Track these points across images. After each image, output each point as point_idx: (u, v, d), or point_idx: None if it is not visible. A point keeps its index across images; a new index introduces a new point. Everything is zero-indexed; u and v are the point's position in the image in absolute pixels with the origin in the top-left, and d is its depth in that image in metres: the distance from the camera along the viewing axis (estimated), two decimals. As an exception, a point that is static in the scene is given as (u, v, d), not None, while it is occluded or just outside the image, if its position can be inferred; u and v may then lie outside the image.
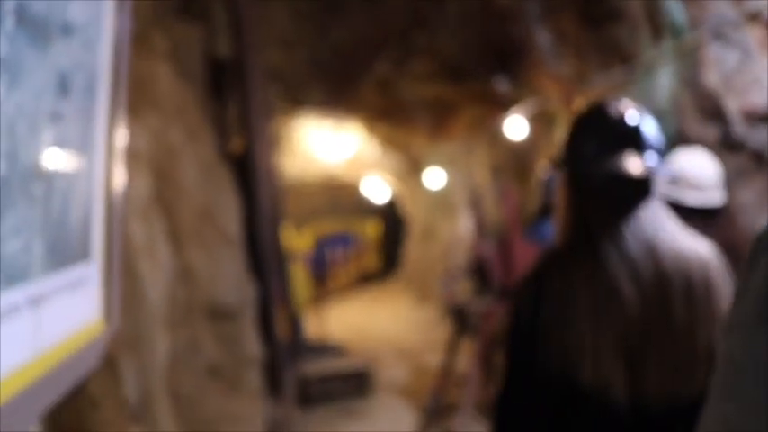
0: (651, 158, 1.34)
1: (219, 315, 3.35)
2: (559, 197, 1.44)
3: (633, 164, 1.31)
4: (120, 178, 1.28)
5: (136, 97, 3.28)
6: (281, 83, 6.76)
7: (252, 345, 3.72)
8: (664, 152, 1.40)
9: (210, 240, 3.31)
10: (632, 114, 1.37)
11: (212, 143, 3.84)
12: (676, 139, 4.30)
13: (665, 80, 4.33)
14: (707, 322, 1.26)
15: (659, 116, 4.43)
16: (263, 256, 4.04)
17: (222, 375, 3.32)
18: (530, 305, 1.30)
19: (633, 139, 1.34)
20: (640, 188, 1.33)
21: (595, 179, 1.35)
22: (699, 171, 2.49)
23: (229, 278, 3.41)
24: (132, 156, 2.73)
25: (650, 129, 1.37)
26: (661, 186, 2.09)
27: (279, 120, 8.84)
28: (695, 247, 1.33)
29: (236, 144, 4.30)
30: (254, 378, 3.75)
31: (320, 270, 9.46)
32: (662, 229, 1.32)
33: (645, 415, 1.24)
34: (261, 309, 4.01)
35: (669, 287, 1.26)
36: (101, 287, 1.24)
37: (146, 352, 2.26)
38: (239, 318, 3.52)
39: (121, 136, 1.25)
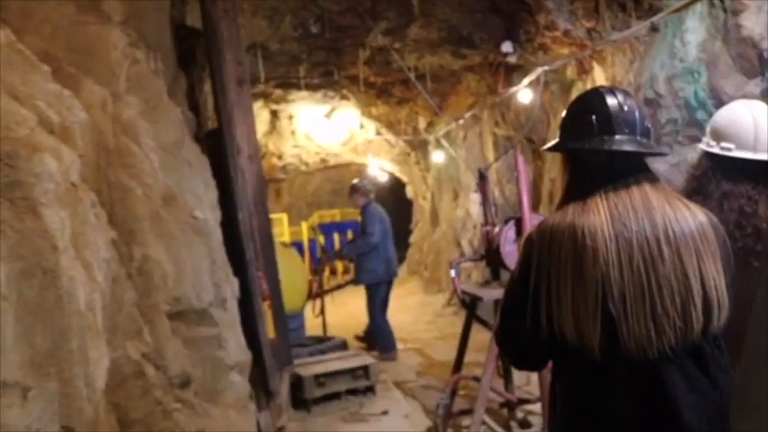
0: (642, 140, 1.60)
1: (188, 316, 2.88)
2: (560, 176, 1.71)
3: (628, 143, 1.57)
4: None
5: (79, 65, 2.81)
6: (267, 60, 6.24)
7: (233, 348, 3.25)
8: (650, 135, 1.63)
9: (174, 230, 2.83)
10: (626, 100, 1.61)
11: (180, 119, 3.36)
12: (709, 97, 3.78)
13: (694, 31, 3.80)
14: (705, 278, 1.46)
15: (689, 72, 3.90)
16: (243, 247, 3.56)
17: (195, 387, 2.85)
18: (523, 266, 1.58)
19: (627, 123, 1.58)
20: (633, 164, 1.58)
21: (597, 155, 1.59)
22: (749, 127, 2.12)
23: (199, 273, 2.93)
24: (62, 130, 2.25)
25: (640, 114, 1.62)
26: (709, 145, 2.17)
27: (272, 101, 8.37)
28: (690, 212, 1.53)
29: (211, 121, 3.84)
30: (237, 386, 3.29)
31: (321, 260, 8.94)
32: (656, 198, 1.52)
33: (622, 361, 1.45)
34: (243, 306, 3.54)
35: (660, 249, 1.46)
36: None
37: (73, 371, 1.79)
38: (214, 318, 3.05)
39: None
